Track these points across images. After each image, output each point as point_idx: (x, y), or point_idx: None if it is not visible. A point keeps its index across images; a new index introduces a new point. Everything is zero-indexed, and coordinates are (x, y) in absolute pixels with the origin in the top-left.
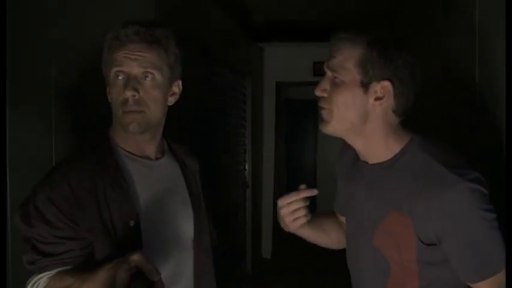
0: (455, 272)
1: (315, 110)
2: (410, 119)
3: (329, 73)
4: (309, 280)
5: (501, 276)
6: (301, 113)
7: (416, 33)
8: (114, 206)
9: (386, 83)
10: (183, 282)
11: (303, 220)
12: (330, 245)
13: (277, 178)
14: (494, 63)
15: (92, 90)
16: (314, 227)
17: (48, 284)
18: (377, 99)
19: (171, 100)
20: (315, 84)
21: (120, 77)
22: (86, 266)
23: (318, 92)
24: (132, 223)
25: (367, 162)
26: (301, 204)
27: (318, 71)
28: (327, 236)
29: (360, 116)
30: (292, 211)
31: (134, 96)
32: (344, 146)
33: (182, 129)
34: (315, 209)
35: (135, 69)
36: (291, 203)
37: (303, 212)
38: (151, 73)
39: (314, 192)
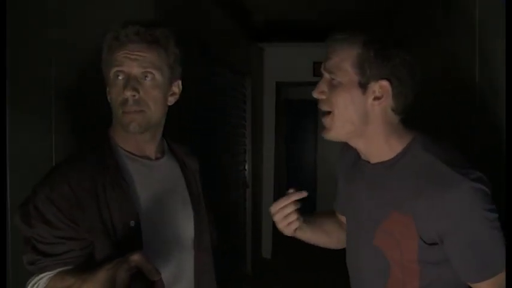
0: (456, 271)
1: (315, 110)
2: (410, 118)
3: (326, 75)
4: (308, 280)
5: (502, 277)
6: (301, 113)
7: (416, 33)
8: (114, 206)
9: (385, 83)
10: (183, 282)
11: (296, 224)
12: (330, 245)
13: (277, 178)
14: (494, 63)
15: (92, 90)
16: (313, 229)
17: (49, 284)
18: (376, 99)
19: (171, 100)
20: (315, 84)
21: (120, 77)
22: (86, 266)
23: (315, 94)
24: (132, 223)
25: (368, 162)
26: (292, 208)
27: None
28: (327, 237)
29: (360, 116)
30: (284, 216)
31: (134, 96)
32: (344, 146)
33: (182, 129)
34: (314, 209)
35: (135, 69)
36: (282, 208)
37: (294, 216)
38: (151, 73)
39: (304, 194)
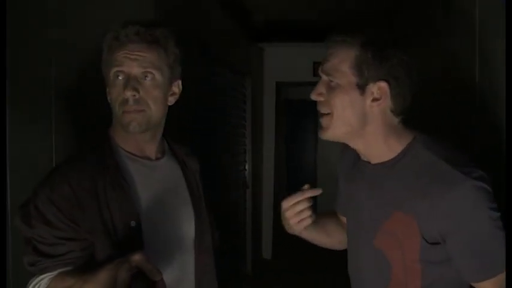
0: (459, 271)
1: (315, 110)
2: (410, 118)
3: (324, 77)
4: (309, 280)
5: (504, 276)
6: (301, 113)
7: (416, 33)
8: (114, 206)
9: (383, 84)
10: (184, 282)
11: (309, 221)
12: (332, 246)
13: (278, 178)
14: (494, 63)
15: (92, 90)
16: (317, 229)
17: (50, 285)
18: (374, 100)
19: (171, 100)
20: (315, 84)
21: (120, 77)
22: (87, 266)
23: (314, 96)
24: (133, 223)
25: (369, 162)
26: (306, 204)
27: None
28: (329, 237)
29: (359, 118)
30: (297, 212)
31: (134, 96)
32: (345, 146)
33: (182, 129)
34: (315, 209)
35: (135, 69)
36: (295, 204)
37: (308, 212)
38: (151, 73)
39: (318, 191)
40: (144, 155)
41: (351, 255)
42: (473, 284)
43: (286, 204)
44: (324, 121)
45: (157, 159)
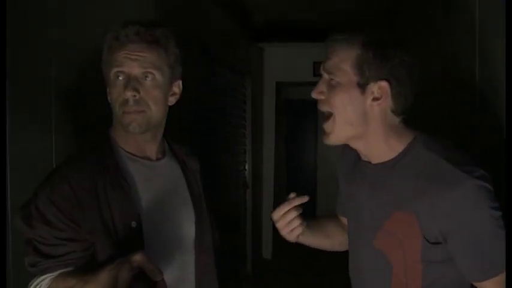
0: (460, 270)
1: (315, 110)
2: (410, 118)
3: (325, 75)
4: (309, 281)
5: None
6: (301, 113)
7: (416, 33)
8: (115, 206)
9: (384, 83)
10: (185, 282)
11: (300, 230)
12: (333, 248)
13: (278, 178)
14: (494, 63)
15: (92, 90)
16: (314, 233)
17: (51, 285)
18: (375, 99)
19: (172, 100)
20: (315, 84)
21: (120, 78)
22: (87, 267)
23: (314, 95)
24: (133, 224)
25: (369, 162)
26: (295, 214)
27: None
28: (329, 240)
29: (359, 117)
30: (287, 222)
31: (135, 96)
32: (345, 147)
33: (182, 129)
34: (315, 209)
35: (136, 70)
36: (285, 214)
37: (298, 221)
38: (152, 73)
39: (305, 199)
40: (144, 155)
41: (351, 256)
42: (475, 284)
43: (275, 215)
44: (327, 126)
45: (157, 159)
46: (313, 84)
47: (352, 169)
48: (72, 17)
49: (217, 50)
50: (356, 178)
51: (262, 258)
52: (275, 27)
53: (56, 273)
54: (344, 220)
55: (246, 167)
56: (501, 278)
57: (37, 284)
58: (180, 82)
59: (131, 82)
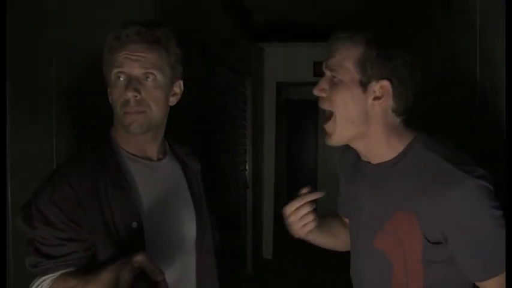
0: (462, 270)
1: (315, 110)
2: (410, 118)
3: (328, 73)
4: (309, 281)
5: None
6: (302, 113)
7: (416, 33)
8: (116, 207)
9: (385, 83)
10: (185, 283)
11: (312, 225)
12: (337, 247)
13: (278, 178)
14: (495, 62)
15: (93, 90)
16: (322, 231)
17: (52, 286)
18: (376, 98)
19: (173, 100)
20: (315, 84)
21: (121, 78)
22: (89, 267)
23: (316, 92)
24: (134, 224)
25: (369, 163)
26: (309, 208)
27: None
28: (334, 238)
29: (360, 115)
30: (300, 217)
31: (136, 97)
32: (345, 147)
33: (183, 129)
34: (315, 209)
35: (136, 70)
36: (298, 209)
37: (311, 216)
38: (153, 74)
39: (319, 194)
40: (145, 155)
41: (352, 256)
42: (476, 283)
43: (288, 209)
44: (328, 126)
45: (158, 159)
46: (314, 84)
47: (352, 169)
48: (72, 17)
49: (217, 50)
50: (356, 178)
51: (263, 258)
52: (275, 27)
53: (57, 274)
54: (346, 220)
55: (247, 167)
56: (502, 277)
57: (38, 285)
58: (181, 82)
59: (132, 83)
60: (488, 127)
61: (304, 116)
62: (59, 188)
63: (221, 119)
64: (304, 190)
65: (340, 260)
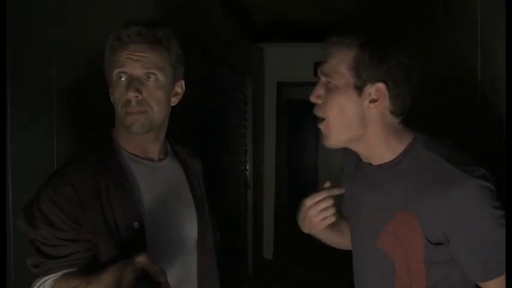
0: (464, 271)
1: None
2: (410, 119)
3: (323, 78)
4: (310, 281)
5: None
6: (302, 113)
7: (416, 33)
8: (117, 207)
9: (381, 85)
10: (187, 283)
11: (332, 219)
12: (345, 246)
13: (279, 178)
14: (495, 62)
15: (93, 90)
16: (333, 230)
17: (53, 286)
18: (372, 101)
19: (174, 100)
20: (316, 84)
21: (122, 78)
22: (90, 268)
23: (312, 99)
24: (136, 224)
25: (370, 164)
26: (330, 202)
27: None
28: (343, 237)
29: (357, 119)
30: (320, 210)
31: (137, 97)
32: (346, 147)
33: (183, 129)
34: (335, 205)
35: (138, 70)
36: (318, 202)
37: (331, 210)
38: (154, 74)
39: (341, 190)
40: (147, 156)
41: (354, 257)
42: (479, 284)
43: (309, 201)
44: (322, 128)
45: (160, 160)
46: (314, 84)
47: (353, 170)
48: (72, 17)
49: (217, 50)
50: (357, 179)
51: (264, 258)
52: (276, 27)
53: (58, 274)
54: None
55: (247, 167)
56: (505, 277)
57: (40, 285)
58: (183, 82)
59: (133, 83)
60: (488, 127)
61: (304, 116)
62: (60, 188)
63: (221, 119)
64: (326, 184)
65: (341, 260)
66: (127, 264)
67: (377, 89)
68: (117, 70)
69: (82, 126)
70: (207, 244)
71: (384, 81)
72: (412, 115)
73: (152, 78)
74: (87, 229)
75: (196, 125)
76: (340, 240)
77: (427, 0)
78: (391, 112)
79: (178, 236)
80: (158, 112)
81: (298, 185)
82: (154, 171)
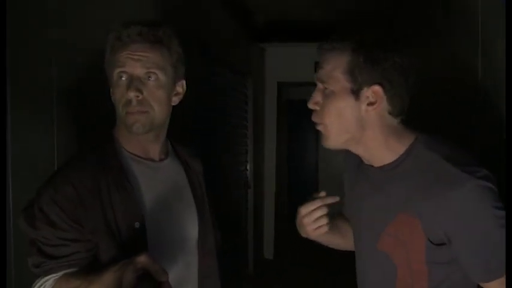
0: (465, 271)
1: None
2: (410, 119)
3: (320, 85)
4: (310, 281)
5: None
6: (303, 113)
7: (416, 33)
8: (118, 207)
9: (377, 87)
10: (188, 283)
11: (325, 228)
12: (346, 247)
13: (279, 178)
14: (496, 62)
15: (93, 90)
16: (332, 232)
17: (54, 286)
18: (369, 104)
19: (175, 100)
20: (317, 84)
21: (123, 78)
22: (91, 268)
23: (310, 106)
24: (137, 225)
25: (371, 166)
26: (324, 211)
27: None
28: (344, 239)
29: (356, 123)
30: (314, 219)
31: (138, 97)
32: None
33: (183, 129)
34: (329, 214)
35: (138, 70)
36: (313, 210)
37: (325, 220)
38: (155, 73)
39: (336, 199)
40: (148, 156)
41: (357, 258)
42: (481, 284)
43: (304, 210)
44: (321, 129)
45: (160, 160)
46: (315, 84)
47: (355, 171)
48: (72, 17)
49: (217, 50)
50: (359, 180)
51: (264, 258)
52: (276, 27)
53: (59, 274)
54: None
55: (248, 167)
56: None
57: (41, 285)
58: (184, 82)
59: (134, 82)
60: (488, 127)
61: (305, 115)
62: (61, 188)
63: (222, 119)
64: (321, 193)
65: (341, 260)
66: (128, 264)
67: (374, 92)
68: (117, 70)
69: (82, 126)
70: (208, 244)
71: (380, 83)
72: (412, 115)
73: (153, 77)
74: (87, 229)
75: (196, 125)
76: (339, 241)
77: (427, 0)
78: (390, 113)
79: (179, 236)
80: (159, 112)
81: (299, 184)
82: (155, 172)
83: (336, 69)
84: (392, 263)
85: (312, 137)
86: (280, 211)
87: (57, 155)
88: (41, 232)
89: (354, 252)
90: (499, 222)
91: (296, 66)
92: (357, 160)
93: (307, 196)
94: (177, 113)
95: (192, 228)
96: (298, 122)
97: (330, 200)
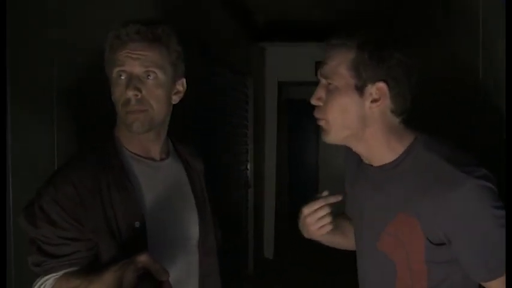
0: (465, 271)
1: None
2: (410, 118)
3: (323, 80)
4: (310, 280)
5: None
6: (303, 112)
7: (416, 33)
8: (119, 207)
9: (381, 84)
10: (188, 283)
11: (329, 228)
12: (348, 246)
13: (279, 178)
14: (497, 62)
15: (94, 90)
16: (335, 232)
17: (55, 285)
18: (373, 101)
19: (175, 99)
20: (317, 83)
21: (122, 77)
22: (92, 267)
23: (313, 101)
24: (137, 224)
25: (371, 165)
26: (327, 211)
27: None
28: (346, 239)
29: (358, 120)
30: (317, 219)
31: (137, 95)
32: (348, 147)
33: (183, 129)
34: (332, 213)
35: (137, 69)
36: (316, 210)
37: (328, 219)
38: (154, 72)
39: (339, 198)
40: (148, 155)
41: (358, 257)
42: (482, 284)
43: (307, 210)
44: (323, 124)
45: (161, 159)
46: (315, 84)
47: (355, 170)
48: (72, 17)
49: (217, 50)
50: (359, 179)
51: (264, 257)
52: (276, 27)
53: (60, 273)
54: None
55: (248, 167)
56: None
57: (41, 284)
58: (184, 80)
59: (133, 81)
60: (488, 127)
61: (305, 115)
62: (61, 187)
63: (222, 118)
64: (324, 193)
65: (341, 260)
66: (128, 263)
67: (378, 89)
68: (116, 69)
69: (82, 126)
70: (209, 244)
71: (385, 81)
72: (412, 115)
73: (152, 76)
74: (88, 228)
75: (197, 124)
76: (341, 240)
77: (427, 0)
78: (392, 111)
79: (179, 235)
80: (158, 110)
81: (299, 184)
82: (156, 171)
83: (340, 65)
84: (391, 263)
85: (313, 136)
86: (280, 211)
87: (57, 155)
88: (41, 231)
89: (353, 252)
90: (498, 222)
91: (296, 66)
92: (357, 160)
93: (307, 196)
94: (177, 113)
95: (192, 228)
96: (299, 121)
97: (333, 199)
